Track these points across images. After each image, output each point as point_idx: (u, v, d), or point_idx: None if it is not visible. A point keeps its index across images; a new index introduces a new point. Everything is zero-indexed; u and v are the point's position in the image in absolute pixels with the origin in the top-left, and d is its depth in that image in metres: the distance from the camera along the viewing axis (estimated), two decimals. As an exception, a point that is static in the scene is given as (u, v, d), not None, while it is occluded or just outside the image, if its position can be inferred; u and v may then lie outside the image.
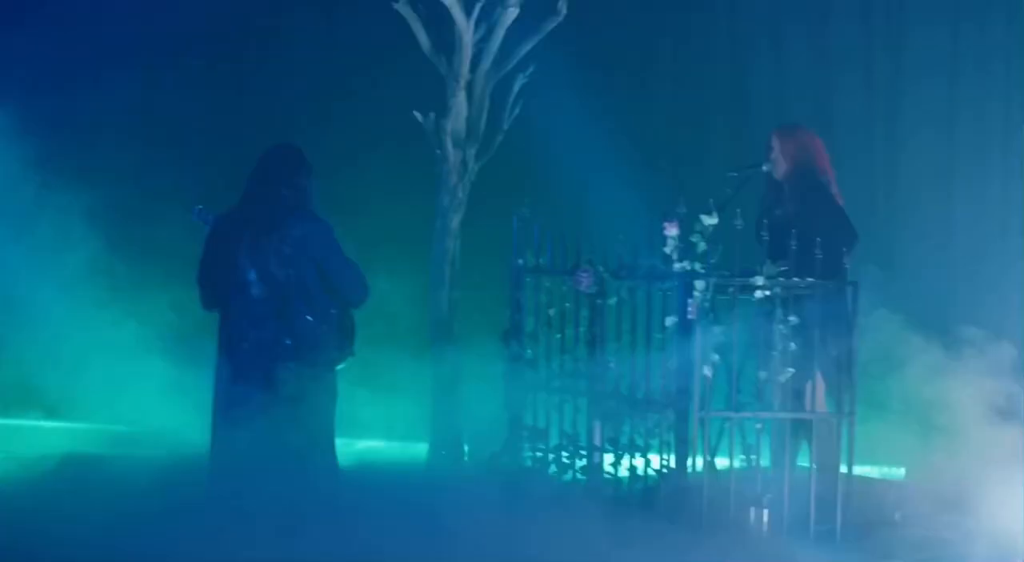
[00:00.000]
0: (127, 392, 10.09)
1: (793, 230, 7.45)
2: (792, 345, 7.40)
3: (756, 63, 10.24)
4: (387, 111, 9.66)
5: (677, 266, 7.38)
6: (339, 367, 7.73)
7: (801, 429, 7.72)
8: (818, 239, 7.38)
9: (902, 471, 9.04)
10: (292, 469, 7.31)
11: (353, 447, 10.02)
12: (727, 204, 7.75)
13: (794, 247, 7.38)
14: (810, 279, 7.42)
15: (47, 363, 10.42)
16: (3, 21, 10.57)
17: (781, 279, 7.39)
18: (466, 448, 8.91)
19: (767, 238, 7.43)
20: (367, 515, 7.18)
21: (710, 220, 7.35)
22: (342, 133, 10.15)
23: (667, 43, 10.33)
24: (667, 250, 7.42)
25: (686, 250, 7.40)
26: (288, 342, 7.53)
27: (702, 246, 7.37)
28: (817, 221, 7.77)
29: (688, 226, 7.41)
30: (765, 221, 7.77)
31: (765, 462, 7.58)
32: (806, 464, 7.75)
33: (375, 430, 10.08)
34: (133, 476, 8.29)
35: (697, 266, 7.37)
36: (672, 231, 7.40)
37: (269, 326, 7.52)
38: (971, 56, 9.90)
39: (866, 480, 8.34)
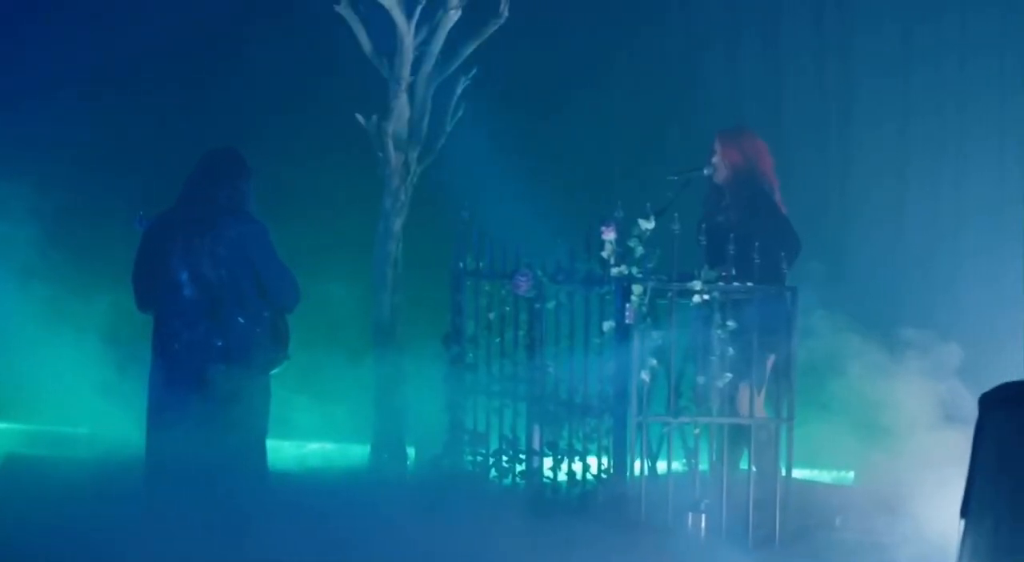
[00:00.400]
0: (67, 393, 10.02)
1: (732, 235, 7.45)
2: (730, 350, 7.39)
3: (708, 64, 10.23)
4: (330, 114, 9.63)
5: (614, 271, 7.36)
6: (274, 371, 7.68)
7: (741, 434, 7.71)
8: (756, 244, 7.37)
9: (851, 474, 9.06)
10: (222, 473, 7.25)
11: (297, 450, 10.03)
12: (667, 208, 7.75)
13: (732, 252, 7.37)
14: (748, 284, 7.41)
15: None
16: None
17: (720, 284, 7.38)
18: (410, 451, 8.89)
19: (705, 242, 7.41)
20: (299, 519, 7.13)
21: (647, 224, 7.34)
22: (285, 136, 10.11)
23: (614, 44, 10.29)
24: (604, 254, 7.40)
25: (623, 254, 7.37)
26: (219, 343, 7.49)
27: (639, 250, 7.35)
28: (759, 228, 7.77)
29: (626, 230, 7.38)
30: (703, 225, 7.77)
31: (704, 466, 7.57)
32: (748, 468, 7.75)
33: (318, 433, 10.05)
34: (70, 478, 8.25)
35: (634, 271, 7.35)
36: (609, 235, 7.37)
37: (201, 327, 7.48)
38: (923, 55, 9.91)
39: (808, 484, 8.34)
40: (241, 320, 7.48)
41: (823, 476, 9.13)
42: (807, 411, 8.28)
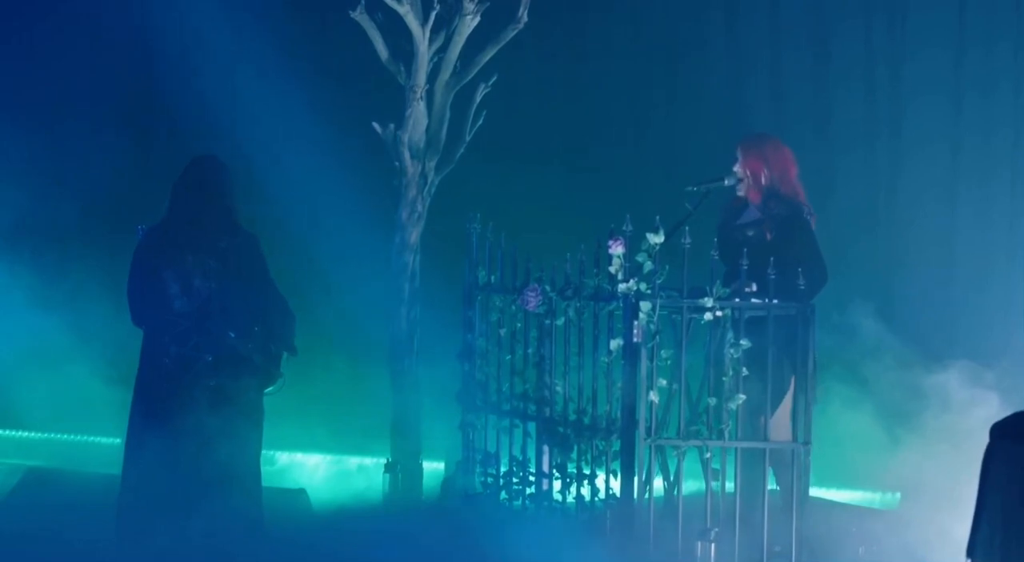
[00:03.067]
0: (86, 402, 9.94)
1: (745, 250, 7.13)
2: (744, 370, 7.06)
3: (752, 83, 9.84)
4: (346, 123, 9.40)
5: (622, 287, 7.04)
6: (268, 390, 7.42)
7: (766, 455, 7.38)
8: (799, 269, 7.03)
9: (897, 496, 8.76)
10: (207, 494, 7.02)
11: (311, 464, 9.84)
12: (686, 221, 7.43)
13: (744, 266, 7.05)
14: (762, 300, 7.07)
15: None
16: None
17: (733, 300, 7.04)
18: (426, 465, 8.65)
19: (716, 256, 7.08)
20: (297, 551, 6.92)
21: (656, 238, 7.00)
22: (299, 145, 9.89)
23: (645, 52, 9.97)
24: (612, 269, 7.09)
25: (632, 270, 7.06)
26: (209, 359, 7.25)
27: (648, 265, 7.03)
28: (790, 251, 7.43)
29: (635, 244, 7.06)
30: (722, 238, 7.48)
31: (727, 488, 7.21)
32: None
33: (334, 446, 9.86)
34: (89, 494, 8.14)
35: (643, 287, 7.02)
36: (617, 249, 7.05)
37: (190, 342, 7.23)
38: (977, 77, 9.56)
39: (843, 507, 8.05)
40: (232, 335, 7.23)
41: (872, 499, 8.86)
42: (852, 431, 8.10)
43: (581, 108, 9.75)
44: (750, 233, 7.65)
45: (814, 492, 8.31)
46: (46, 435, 10.77)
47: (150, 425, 7.27)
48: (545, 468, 7.53)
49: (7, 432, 11.06)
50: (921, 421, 7.87)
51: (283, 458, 10.20)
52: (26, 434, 10.94)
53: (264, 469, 8.99)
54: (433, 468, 8.81)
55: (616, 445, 7.13)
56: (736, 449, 7.07)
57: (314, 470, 9.75)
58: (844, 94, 9.78)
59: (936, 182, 9.59)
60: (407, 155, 8.61)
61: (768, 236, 7.61)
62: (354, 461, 9.97)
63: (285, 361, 7.43)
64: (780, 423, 7.29)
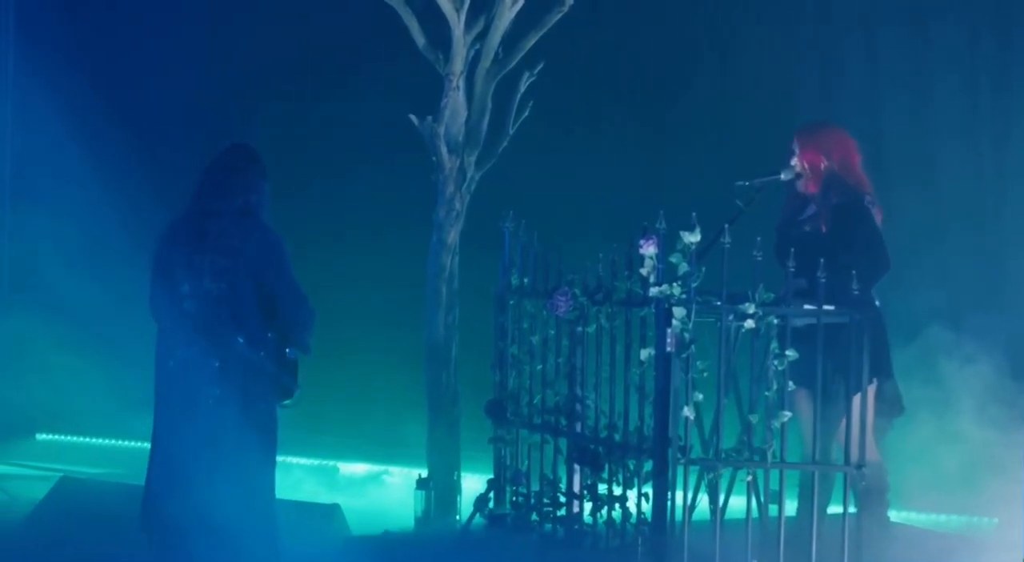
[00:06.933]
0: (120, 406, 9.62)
1: (799, 248, 6.46)
2: (791, 384, 6.37)
3: (802, 64, 9.10)
4: (381, 114, 8.85)
5: (653, 290, 6.36)
6: (285, 403, 6.76)
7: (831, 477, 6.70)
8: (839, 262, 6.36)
9: (995, 522, 8.03)
10: (208, 537, 6.42)
11: (345, 474, 9.45)
12: (738, 218, 6.78)
13: (792, 268, 6.37)
14: (810, 307, 6.39)
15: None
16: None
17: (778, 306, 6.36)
18: (463, 479, 8.18)
19: (760, 257, 6.39)
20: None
21: (691, 237, 6.32)
22: (330, 138, 9.37)
23: (698, 38, 9.27)
24: (644, 272, 6.42)
25: (666, 272, 6.39)
26: (216, 364, 6.61)
27: (683, 267, 6.35)
28: (846, 241, 6.76)
29: (670, 244, 6.39)
30: (780, 237, 6.85)
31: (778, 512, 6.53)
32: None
33: (370, 455, 9.36)
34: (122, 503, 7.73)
35: (676, 290, 6.35)
36: (649, 249, 6.38)
37: (197, 345, 6.65)
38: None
39: (921, 533, 7.49)
40: (240, 340, 6.60)
41: (966, 524, 8.35)
42: (943, 450, 7.58)
43: (631, 94, 9.09)
44: (807, 228, 7.00)
45: (897, 517, 7.70)
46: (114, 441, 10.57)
47: (158, 435, 6.75)
48: (576, 488, 6.90)
49: (71, 437, 10.94)
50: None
51: (317, 465, 9.86)
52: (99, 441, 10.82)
53: (299, 479, 8.57)
54: (475, 481, 8.25)
55: (648, 465, 6.47)
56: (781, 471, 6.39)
57: (346, 483, 9.30)
58: (944, 81, 9.00)
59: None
60: (444, 149, 8.05)
61: (823, 228, 6.95)
62: (394, 471, 9.57)
63: (303, 368, 6.78)
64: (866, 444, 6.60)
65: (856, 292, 6.38)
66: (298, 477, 9.47)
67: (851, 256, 6.63)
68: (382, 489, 9.45)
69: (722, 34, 9.29)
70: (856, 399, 6.55)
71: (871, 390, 6.79)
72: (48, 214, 10.52)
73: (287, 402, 6.77)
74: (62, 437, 11.17)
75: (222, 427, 6.56)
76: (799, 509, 6.69)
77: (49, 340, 10.27)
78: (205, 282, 6.67)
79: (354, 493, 9.30)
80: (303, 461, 9.80)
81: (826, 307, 6.38)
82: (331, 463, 9.88)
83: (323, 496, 8.85)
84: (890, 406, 6.98)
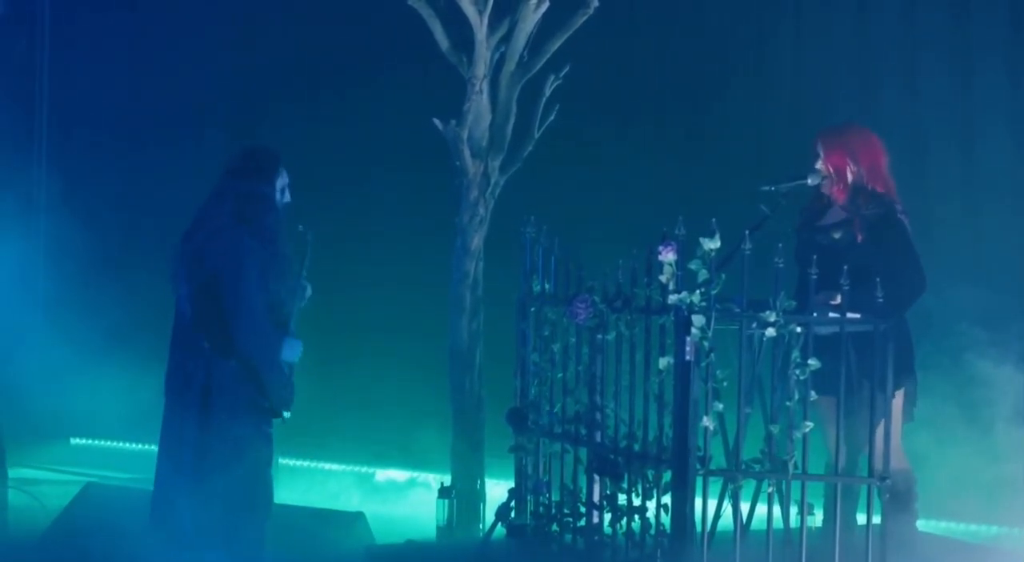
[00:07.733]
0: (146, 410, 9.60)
1: (830, 256, 6.35)
2: (813, 394, 6.23)
3: (839, 71, 8.87)
4: (405, 118, 8.76)
5: (672, 298, 6.23)
6: (279, 419, 6.62)
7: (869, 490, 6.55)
8: (877, 279, 6.20)
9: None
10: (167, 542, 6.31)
11: (370, 480, 9.49)
12: (763, 224, 6.65)
13: (815, 276, 6.23)
14: (834, 316, 6.24)
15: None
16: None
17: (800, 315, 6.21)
18: (487, 487, 8.10)
19: (781, 263, 6.25)
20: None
21: (711, 244, 6.19)
22: (354, 142, 9.28)
23: (729, 40, 9.08)
24: (663, 279, 6.29)
25: (685, 279, 6.26)
26: (200, 374, 6.50)
27: (703, 274, 6.22)
28: (884, 258, 6.61)
29: (689, 250, 6.26)
30: (801, 242, 6.71)
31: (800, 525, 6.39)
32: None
33: (393, 461, 9.28)
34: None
35: (696, 298, 6.21)
36: (668, 256, 6.26)
37: (177, 350, 6.56)
38: None
39: (951, 543, 7.35)
40: (229, 350, 6.48)
41: (997, 535, 8.19)
42: (975, 460, 7.51)
43: (660, 98, 8.93)
44: (836, 235, 6.85)
45: (927, 526, 7.54)
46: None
47: (161, 445, 6.69)
48: (596, 499, 6.78)
49: (104, 442, 10.96)
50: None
51: (341, 470, 9.79)
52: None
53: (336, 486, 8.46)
54: (500, 489, 8.13)
55: (667, 476, 6.34)
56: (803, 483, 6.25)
57: (370, 490, 9.21)
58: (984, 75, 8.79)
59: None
60: (467, 153, 7.95)
61: (859, 237, 6.79)
62: (429, 477, 9.44)
63: (297, 381, 6.66)
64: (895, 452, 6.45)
65: (880, 300, 6.23)
66: (336, 484, 9.44)
67: (887, 280, 6.41)
68: (420, 495, 9.36)
69: (758, 37, 9.12)
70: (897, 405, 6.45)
71: (898, 398, 6.66)
72: (83, 219, 10.48)
73: (279, 419, 6.63)
74: (95, 442, 11.14)
75: (181, 433, 6.47)
76: (824, 519, 6.56)
77: (83, 344, 10.25)
78: (182, 287, 6.61)
79: (388, 500, 9.23)
80: (341, 468, 9.79)
81: (850, 315, 6.25)
82: (368, 469, 9.82)
83: (357, 504, 8.78)
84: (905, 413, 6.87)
